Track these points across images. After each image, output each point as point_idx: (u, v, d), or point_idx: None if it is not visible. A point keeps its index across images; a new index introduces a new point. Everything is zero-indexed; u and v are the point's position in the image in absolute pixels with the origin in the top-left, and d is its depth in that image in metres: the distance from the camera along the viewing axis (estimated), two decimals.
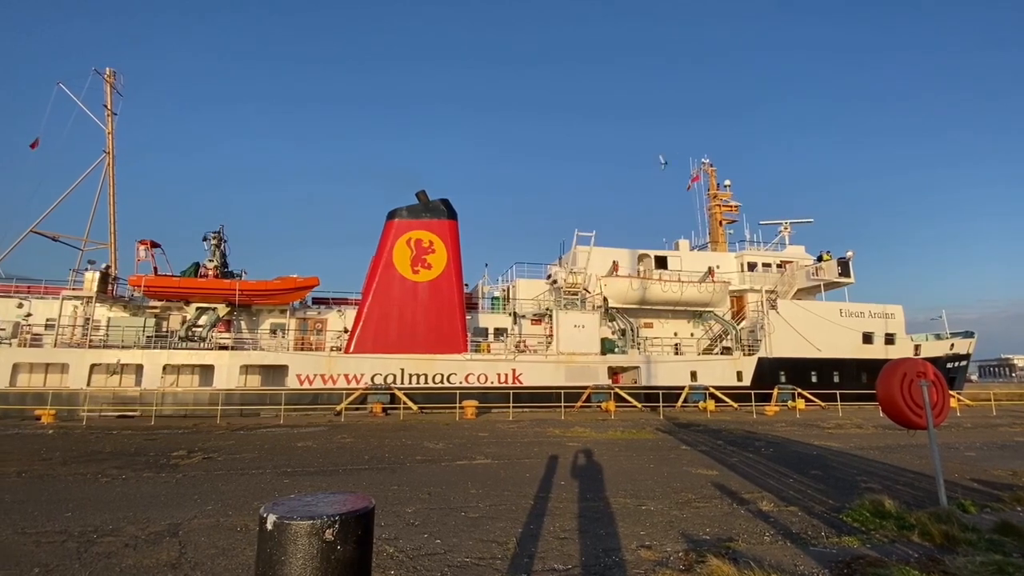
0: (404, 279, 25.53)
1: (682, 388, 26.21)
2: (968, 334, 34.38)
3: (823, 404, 26.66)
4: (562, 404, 22.96)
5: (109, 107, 29.05)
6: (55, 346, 22.83)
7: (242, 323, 26.97)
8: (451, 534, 5.90)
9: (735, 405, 25.86)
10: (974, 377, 76.72)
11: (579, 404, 24.84)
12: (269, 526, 1.35)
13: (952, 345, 33.18)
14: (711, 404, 25.18)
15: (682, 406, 25.74)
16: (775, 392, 27.04)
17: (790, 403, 26.10)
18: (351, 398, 22.86)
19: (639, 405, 25.09)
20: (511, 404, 23.33)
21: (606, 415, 22.49)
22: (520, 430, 16.81)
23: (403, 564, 4.97)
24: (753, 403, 24.29)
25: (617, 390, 25.39)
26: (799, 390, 26.91)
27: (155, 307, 25.83)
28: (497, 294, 32.14)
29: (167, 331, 25.00)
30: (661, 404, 23.46)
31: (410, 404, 23.00)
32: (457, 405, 22.05)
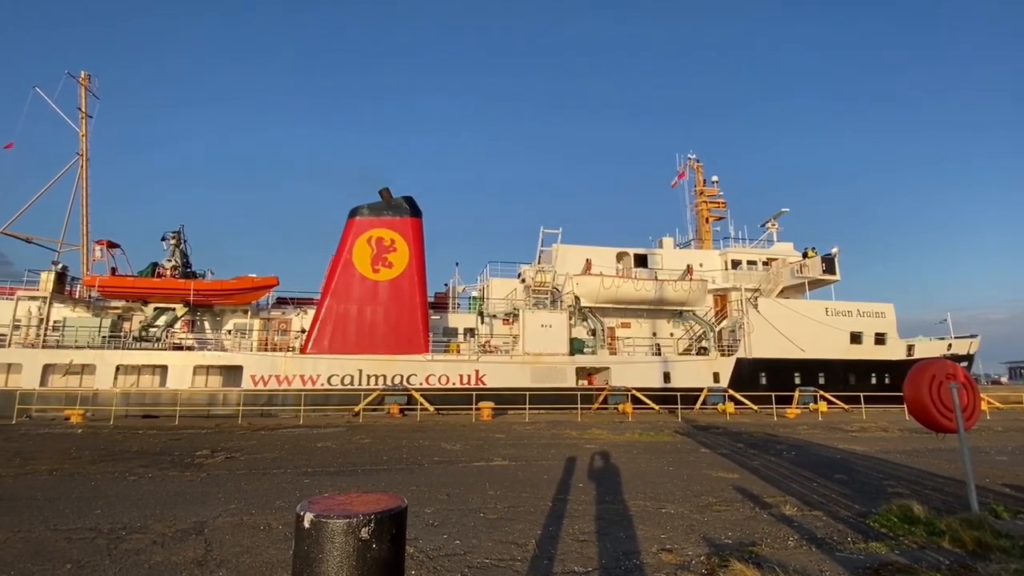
0: (364, 278, 25.18)
1: (654, 389, 25.56)
2: (971, 336, 33.36)
3: (846, 407, 26.13)
4: (528, 406, 22.25)
5: (84, 110, 29.28)
6: (8, 346, 22.92)
7: (205, 323, 26.97)
8: (470, 535, 5.91)
9: (755, 407, 25.47)
10: (1004, 379, 74.54)
11: (595, 406, 24.70)
12: (306, 524, 1.38)
13: (950, 346, 31.96)
14: (730, 406, 24.85)
15: (701, 408, 25.45)
16: (796, 394, 26.57)
17: (812, 405, 25.63)
18: (368, 399, 23.04)
19: (656, 407, 24.87)
20: (474, 406, 22.83)
21: (623, 417, 22.34)
22: (536, 432, 16.78)
23: (423, 564, 4.99)
24: (774, 406, 23.91)
25: (634, 392, 25.18)
26: (821, 392, 26.39)
27: (116, 307, 25.85)
28: (475, 294, 31.64)
29: (124, 331, 24.95)
30: (679, 406, 23.23)
31: (427, 405, 23.11)
32: (473, 406, 22.10)
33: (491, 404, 22.08)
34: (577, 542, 5.67)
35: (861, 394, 25.53)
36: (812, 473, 9.77)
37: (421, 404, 22.99)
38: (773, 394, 24.96)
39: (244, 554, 5.25)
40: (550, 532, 6.04)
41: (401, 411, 22.90)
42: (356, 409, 22.38)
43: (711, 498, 7.74)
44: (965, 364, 32.85)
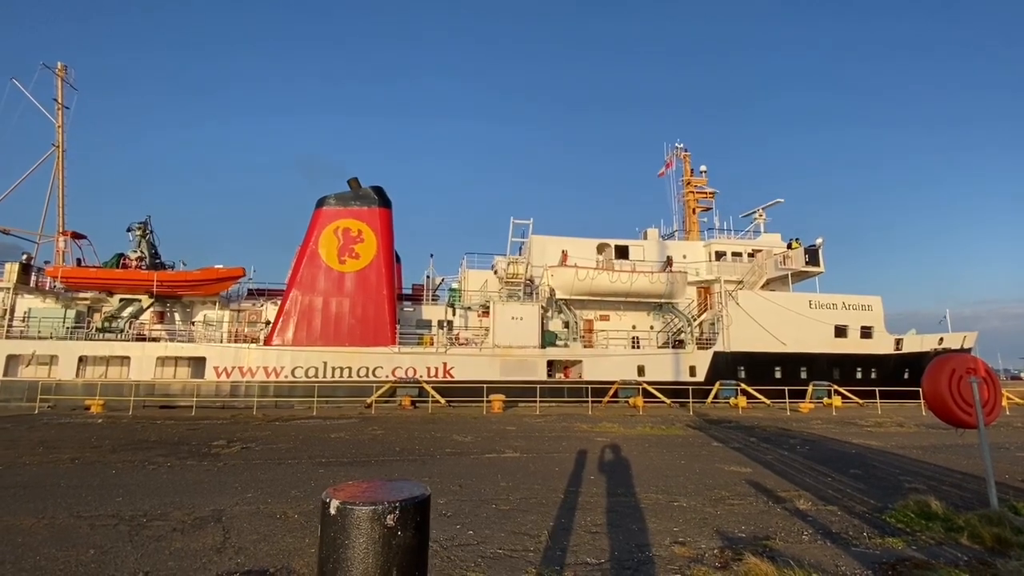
0: (330, 269, 25.00)
1: (629, 383, 25.28)
2: (967, 332, 32.62)
3: (861, 401, 25.85)
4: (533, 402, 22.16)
5: (60, 102, 29.10)
6: None
7: (175, 315, 26.97)
8: (483, 526, 5.96)
9: (767, 401, 25.30)
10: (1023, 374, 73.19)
11: (606, 400, 24.69)
12: (332, 511, 1.39)
13: (941, 340, 30.98)
14: (743, 400, 24.70)
15: (712, 402, 25.33)
16: (810, 389, 26.32)
17: (825, 400, 25.40)
18: (380, 391, 23.25)
19: (668, 401, 24.80)
20: (442, 399, 22.70)
21: (634, 411, 22.31)
22: (547, 424, 16.82)
23: (437, 554, 5.04)
24: (787, 399, 23.71)
25: (645, 386, 25.11)
26: (835, 387, 26.10)
27: (85, 299, 25.85)
28: (455, 286, 31.32)
29: (88, 322, 24.96)
30: (691, 400, 23.14)
31: (438, 398, 23.26)
32: (484, 399, 22.20)
33: (502, 397, 22.16)
34: (589, 534, 5.68)
35: (876, 388, 25.18)
36: (826, 468, 9.68)
37: (432, 396, 23.16)
38: (786, 388, 24.72)
39: (261, 541, 5.34)
40: (562, 524, 6.06)
41: (412, 403, 23.10)
42: (368, 401, 22.62)
43: (724, 492, 7.72)
44: None
